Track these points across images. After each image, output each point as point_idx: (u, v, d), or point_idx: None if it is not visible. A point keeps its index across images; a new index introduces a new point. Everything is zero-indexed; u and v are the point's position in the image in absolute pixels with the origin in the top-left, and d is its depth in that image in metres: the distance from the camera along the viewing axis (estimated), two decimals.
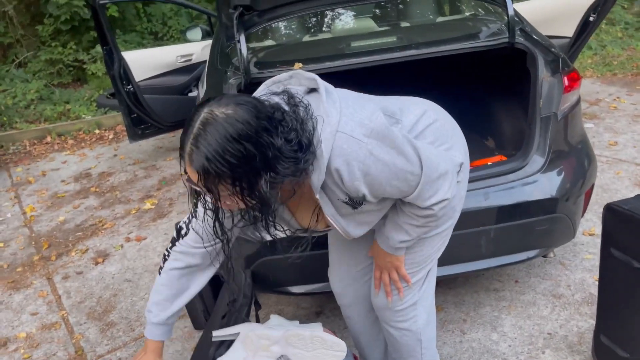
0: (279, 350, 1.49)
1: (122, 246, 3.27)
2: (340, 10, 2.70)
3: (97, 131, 5.60)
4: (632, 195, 3.10)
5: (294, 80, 1.27)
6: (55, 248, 3.33)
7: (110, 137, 5.46)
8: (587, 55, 6.34)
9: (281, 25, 2.47)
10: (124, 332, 2.48)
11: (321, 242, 1.95)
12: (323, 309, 2.46)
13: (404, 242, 1.42)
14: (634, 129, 4.08)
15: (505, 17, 2.21)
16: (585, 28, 3.43)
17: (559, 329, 2.17)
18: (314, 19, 2.50)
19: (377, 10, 3.02)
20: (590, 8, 3.36)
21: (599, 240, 2.71)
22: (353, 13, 2.77)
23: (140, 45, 6.91)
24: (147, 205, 3.79)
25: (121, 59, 3.94)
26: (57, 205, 3.96)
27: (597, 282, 2.39)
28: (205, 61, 4.37)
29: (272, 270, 2.01)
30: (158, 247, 3.21)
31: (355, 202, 1.25)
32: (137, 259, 3.11)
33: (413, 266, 1.51)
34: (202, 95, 2.36)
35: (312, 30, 2.56)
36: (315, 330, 1.51)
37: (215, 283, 2.41)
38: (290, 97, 1.17)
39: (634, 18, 7.49)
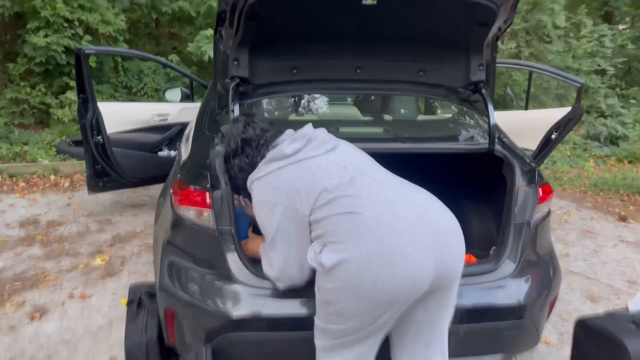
0: None
1: (63, 303, 3.04)
2: (329, 96, 2.80)
3: (52, 177, 5.39)
4: (585, 307, 3.21)
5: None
6: None
7: (66, 185, 5.25)
8: (540, 168, 6.75)
9: (272, 102, 2.52)
10: None
11: (287, 324, 1.89)
12: None
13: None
14: (583, 243, 4.29)
15: (485, 125, 2.35)
16: (547, 144, 3.67)
17: None
18: (304, 100, 2.58)
19: (362, 101, 3.16)
20: (553, 127, 3.62)
21: (554, 349, 2.76)
22: (340, 100, 2.87)
23: (112, 97, 6.88)
24: (97, 261, 3.59)
25: (96, 109, 3.89)
26: None
27: None
28: (180, 123, 4.40)
29: (234, 348, 1.91)
30: (104, 307, 3.00)
31: None
32: (79, 318, 2.89)
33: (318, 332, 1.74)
34: (184, 156, 2.33)
35: (301, 110, 2.63)
36: None
37: (165, 357, 2.26)
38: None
39: (581, 140, 8.14)
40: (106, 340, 2.70)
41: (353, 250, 1.53)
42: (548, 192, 2.19)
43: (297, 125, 2.52)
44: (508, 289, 2.03)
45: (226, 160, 1.90)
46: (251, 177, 1.77)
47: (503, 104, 7.59)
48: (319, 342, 1.75)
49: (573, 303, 3.28)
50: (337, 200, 1.59)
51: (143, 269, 3.51)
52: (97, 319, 2.89)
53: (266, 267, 1.80)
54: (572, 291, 3.43)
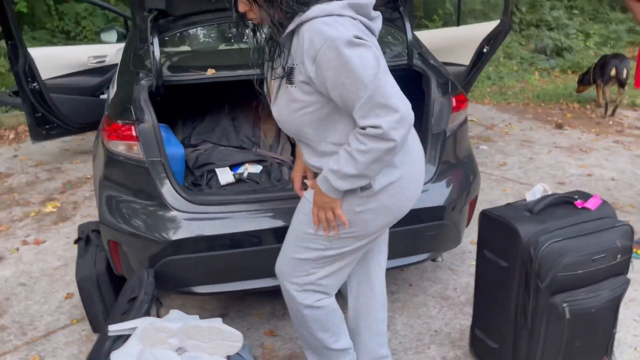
0: (177, 342, 1.53)
1: (17, 249, 3.12)
2: None
3: None
4: None
5: None
6: None
7: (11, 137, 5.16)
8: (487, 84, 6.92)
9: (196, 32, 2.52)
10: (15, 336, 2.37)
11: (224, 245, 2.02)
12: (228, 311, 2.50)
13: (343, 175, 1.43)
14: (521, 152, 4.52)
15: (405, 42, 2.43)
16: (480, 58, 3.79)
17: (444, 327, 2.37)
18: (229, 28, 2.58)
19: None
20: (484, 40, 3.73)
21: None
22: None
23: (50, 43, 6.60)
24: (49, 208, 3.63)
25: (27, 54, 3.79)
26: None
27: None
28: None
29: (176, 270, 2.04)
30: (59, 250, 3.09)
31: (291, 74, 1.45)
32: (35, 262, 2.97)
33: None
34: (112, 95, 2.35)
35: (227, 39, 2.64)
36: (213, 322, 1.57)
37: (117, 286, 2.39)
38: None
39: (529, 54, 8.29)
40: (62, 280, 2.80)
41: (400, 174, 1.54)
42: (462, 101, 2.32)
43: (225, 54, 2.55)
44: (429, 193, 2.19)
45: None
46: (325, 8, 1.38)
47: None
48: (301, 255, 1.66)
49: None
50: None
51: (95, 212, 3.54)
52: (52, 262, 2.98)
53: (384, 115, 1.35)
54: (506, 196, 3.67)
